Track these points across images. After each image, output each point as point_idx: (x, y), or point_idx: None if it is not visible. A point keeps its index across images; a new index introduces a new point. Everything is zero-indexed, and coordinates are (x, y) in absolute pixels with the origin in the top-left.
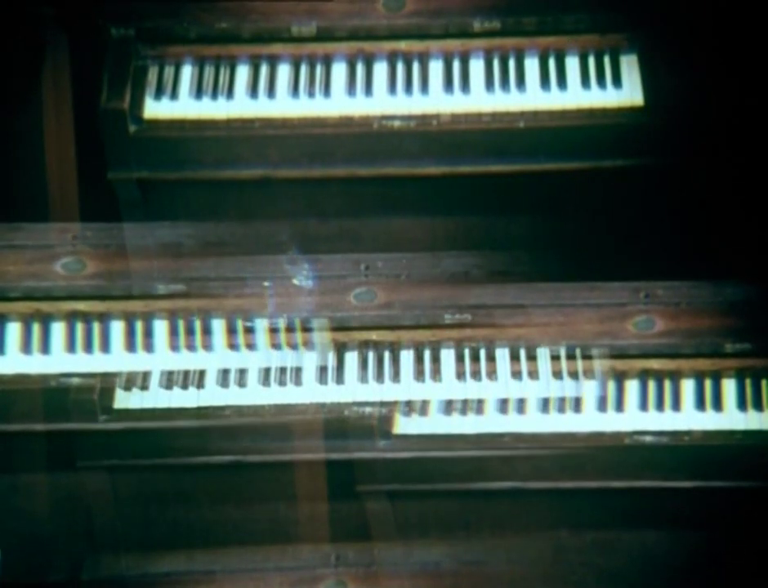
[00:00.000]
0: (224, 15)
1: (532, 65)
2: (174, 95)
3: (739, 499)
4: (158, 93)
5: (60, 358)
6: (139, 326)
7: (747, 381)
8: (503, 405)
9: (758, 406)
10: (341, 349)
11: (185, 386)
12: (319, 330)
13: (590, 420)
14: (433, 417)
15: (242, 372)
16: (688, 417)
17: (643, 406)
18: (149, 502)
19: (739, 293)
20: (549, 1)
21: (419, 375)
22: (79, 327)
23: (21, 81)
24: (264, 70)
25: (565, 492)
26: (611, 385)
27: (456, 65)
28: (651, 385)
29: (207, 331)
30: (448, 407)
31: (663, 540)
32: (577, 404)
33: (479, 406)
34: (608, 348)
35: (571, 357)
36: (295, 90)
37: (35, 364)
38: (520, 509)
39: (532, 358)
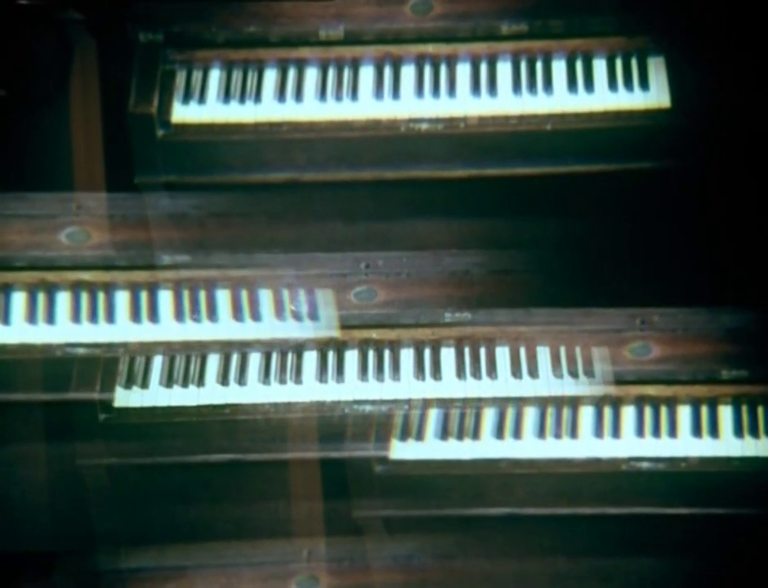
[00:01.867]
0: (252, 19)
1: (559, 68)
2: (202, 99)
3: (737, 526)
4: (186, 97)
5: (65, 328)
6: (144, 296)
7: (744, 408)
8: (500, 429)
9: (755, 432)
10: (341, 348)
11: (185, 384)
12: (325, 305)
13: (586, 446)
14: (430, 442)
15: (242, 371)
16: (684, 444)
17: (639, 432)
18: (121, 499)
19: (736, 320)
20: (576, 3)
21: (419, 373)
22: (84, 297)
23: (50, 85)
24: (291, 74)
25: (562, 518)
26: (607, 411)
27: (483, 68)
28: (647, 411)
29: (212, 301)
30: (445, 431)
31: (660, 567)
32: (573, 429)
33: (475, 430)
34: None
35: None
36: (322, 93)
37: (40, 334)
38: (517, 535)
39: (532, 357)
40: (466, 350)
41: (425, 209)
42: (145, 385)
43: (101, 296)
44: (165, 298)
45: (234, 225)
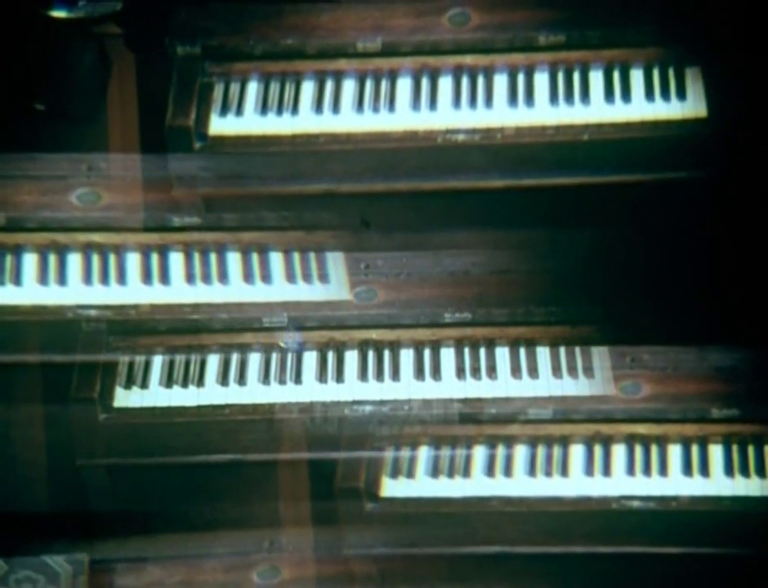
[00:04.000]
0: (290, 32)
1: (596, 78)
2: (239, 111)
3: (728, 566)
4: (224, 110)
5: (76, 290)
6: (154, 258)
7: (734, 447)
8: (490, 467)
9: (745, 472)
10: (340, 348)
11: (185, 385)
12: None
13: (577, 484)
14: (420, 480)
15: (242, 371)
16: (675, 483)
17: (630, 470)
18: (83, 492)
19: (725, 359)
20: (614, 14)
21: (419, 374)
22: (95, 259)
23: (88, 99)
24: (329, 86)
25: (553, 556)
26: (598, 449)
27: (521, 79)
28: (638, 450)
29: (222, 264)
30: (436, 469)
31: None
32: (564, 468)
33: (466, 468)
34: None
35: (561, 421)
36: (360, 105)
37: (52, 295)
38: (508, 573)
39: (532, 357)
40: (466, 351)
41: (462, 220)
42: (144, 385)
43: (112, 258)
44: (176, 260)
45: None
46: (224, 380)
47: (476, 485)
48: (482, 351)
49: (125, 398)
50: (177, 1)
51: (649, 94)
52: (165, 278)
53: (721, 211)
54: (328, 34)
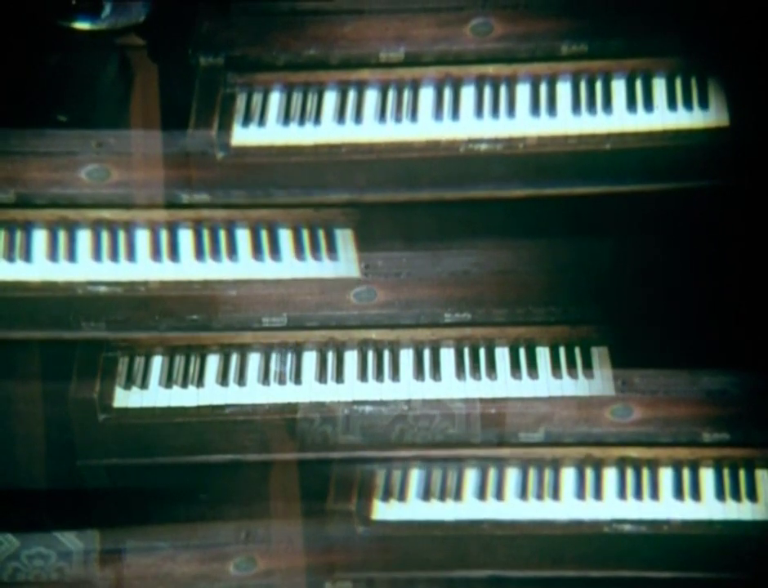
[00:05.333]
0: (312, 43)
1: (619, 87)
2: (262, 121)
3: None
4: (246, 120)
5: (86, 266)
6: (164, 235)
7: (725, 471)
8: (482, 490)
9: (736, 496)
10: (340, 348)
11: (184, 385)
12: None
13: (568, 508)
14: (411, 503)
15: (241, 371)
16: (666, 506)
17: (621, 494)
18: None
19: (716, 382)
20: (636, 23)
21: (419, 374)
22: (105, 236)
23: (110, 110)
24: (351, 96)
25: (545, 580)
26: (589, 472)
27: (543, 88)
28: (629, 473)
29: (231, 240)
30: (427, 492)
31: None
32: (555, 491)
33: (457, 491)
34: (585, 433)
35: (552, 444)
36: (382, 115)
37: (62, 271)
38: None
39: (532, 357)
40: (466, 351)
41: (483, 229)
42: (144, 385)
43: (122, 235)
44: (185, 237)
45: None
46: (223, 380)
47: (468, 508)
48: (482, 351)
49: (125, 398)
50: (200, 12)
51: (672, 103)
52: (174, 255)
53: (740, 221)
54: (351, 45)
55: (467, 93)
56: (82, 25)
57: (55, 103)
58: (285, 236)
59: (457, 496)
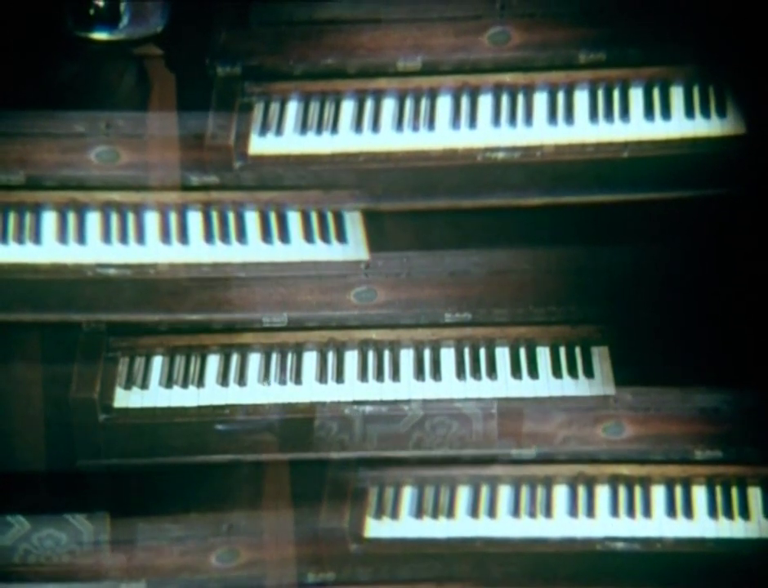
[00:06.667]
0: (330, 52)
1: (636, 95)
2: (279, 131)
3: None
4: (263, 129)
5: (95, 248)
6: (173, 217)
7: (718, 489)
8: (474, 508)
9: (729, 514)
10: (340, 348)
11: (185, 385)
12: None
13: (561, 525)
14: (404, 521)
15: (242, 371)
16: (659, 524)
17: (614, 512)
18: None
19: (708, 400)
20: (654, 32)
21: (419, 374)
22: (114, 218)
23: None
24: (369, 105)
25: None
26: (581, 490)
27: (560, 97)
28: (622, 491)
29: (240, 223)
30: (420, 509)
31: None
32: (548, 508)
33: (450, 508)
34: (577, 451)
35: (545, 461)
36: (399, 123)
37: (71, 254)
38: None
39: (531, 357)
40: (466, 351)
41: (501, 237)
42: (144, 385)
43: (131, 217)
44: (194, 219)
45: None
46: (224, 380)
47: (460, 526)
48: (482, 351)
49: (125, 398)
50: (218, 22)
51: (689, 111)
52: (184, 237)
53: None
54: (368, 54)
55: (485, 102)
56: (99, 35)
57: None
58: (294, 218)
59: (450, 513)
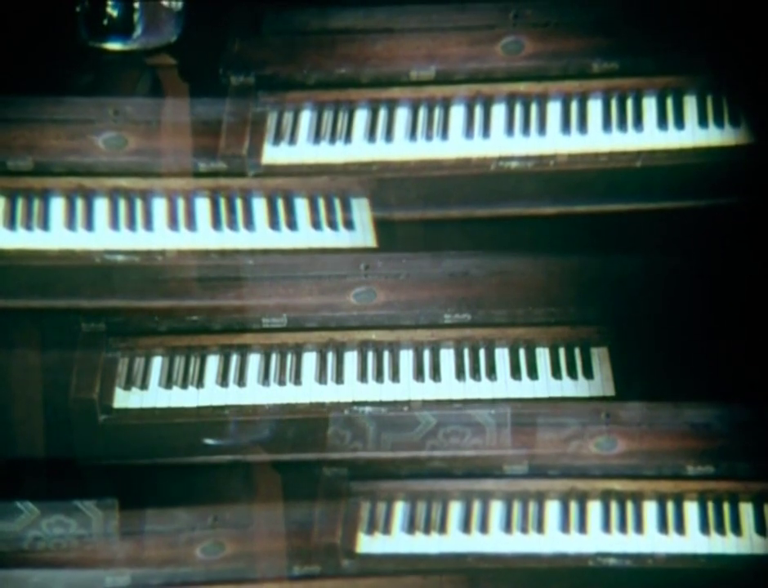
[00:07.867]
0: (343, 61)
1: (650, 105)
2: (292, 140)
3: None
4: (277, 138)
5: (103, 235)
6: (181, 204)
7: (709, 504)
8: (466, 523)
9: (721, 530)
10: (340, 349)
11: (184, 386)
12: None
13: (553, 541)
14: (396, 537)
15: (241, 372)
16: (651, 540)
17: (606, 527)
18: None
19: (700, 415)
20: (667, 41)
21: (419, 374)
22: (122, 204)
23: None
24: (382, 114)
25: None
26: (573, 505)
27: (574, 106)
28: (613, 507)
29: (248, 209)
30: (412, 525)
31: None
32: (540, 524)
33: (442, 524)
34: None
35: (536, 476)
36: (413, 133)
37: (80, 240)
38: None
39: (531, 358)
40: (466, 352)
41: (513, 246)
42: (144, 386)
43: (139, 203)
44: (202, 206)
45: None
46: (223, 381)
47: (452, 541)
48: (482, 352)
49: (125, 398)
50: (231, 32)
51: (703, 120)
52: (191, 224)
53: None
54: (382, 63)
55: (498, 111)
56: (113, 46)
57: None
58: (301, 205)
59: (442, 529)
